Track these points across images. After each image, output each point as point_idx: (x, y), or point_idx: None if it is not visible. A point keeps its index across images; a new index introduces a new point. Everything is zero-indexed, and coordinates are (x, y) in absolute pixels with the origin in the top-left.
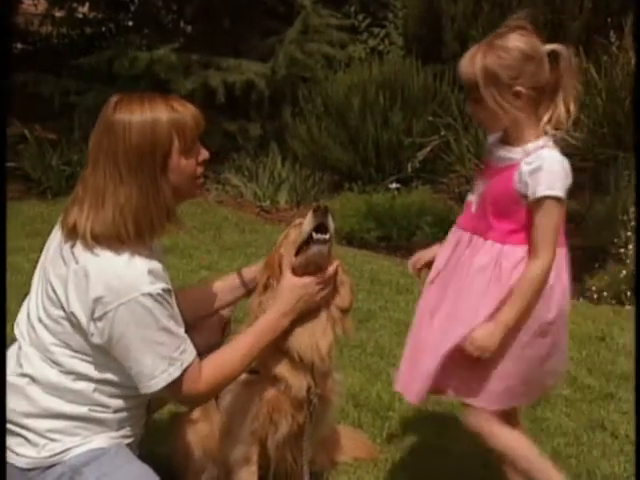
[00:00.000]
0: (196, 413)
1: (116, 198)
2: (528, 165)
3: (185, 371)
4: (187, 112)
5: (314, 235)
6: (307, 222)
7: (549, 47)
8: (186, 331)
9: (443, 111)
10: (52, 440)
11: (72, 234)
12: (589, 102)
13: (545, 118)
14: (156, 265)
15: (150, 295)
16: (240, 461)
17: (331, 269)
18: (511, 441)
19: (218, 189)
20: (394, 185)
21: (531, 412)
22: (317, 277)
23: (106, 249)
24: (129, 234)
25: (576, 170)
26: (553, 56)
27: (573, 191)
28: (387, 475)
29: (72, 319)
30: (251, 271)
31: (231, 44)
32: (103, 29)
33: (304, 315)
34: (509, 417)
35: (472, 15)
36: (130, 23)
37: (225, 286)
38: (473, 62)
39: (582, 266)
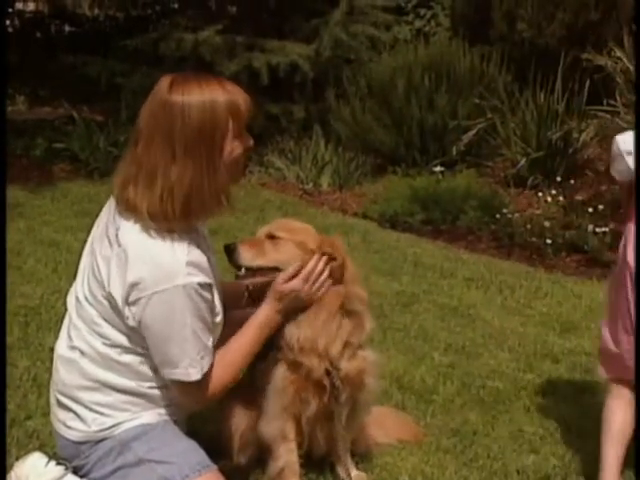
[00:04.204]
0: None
1: (167, 176)
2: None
3: (203, 377)
4: (240, 96)
5: (238, 273)
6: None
7: None
8: None
9: (489, 93)
10: (101, 414)
11: (131, 213)
12: None
13: None
14: (198, 256)
15: (184, 288)
16: (277, 437)
17: (310, 264)
18: None
19: (261, 171)
20: (438, 168)
21: None
22: (298, 275)
23: (153, 232)
24: (175, 213)
25: None
26: None
27: None
28: (432, 457)
29: (111, 300)
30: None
31: (275, 25)
32: (149, 11)
33: (299, 310)
34: None
35: None
36: (175, 5)
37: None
38: None
39: None
